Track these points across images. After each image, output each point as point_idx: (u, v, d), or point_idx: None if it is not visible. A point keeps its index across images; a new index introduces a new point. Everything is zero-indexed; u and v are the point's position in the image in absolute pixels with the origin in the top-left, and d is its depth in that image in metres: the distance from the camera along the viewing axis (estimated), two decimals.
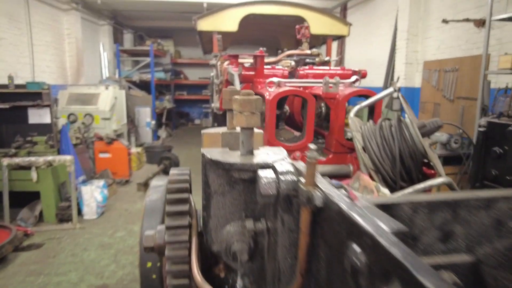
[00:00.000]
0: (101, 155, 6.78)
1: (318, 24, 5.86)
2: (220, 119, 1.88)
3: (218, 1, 9.56)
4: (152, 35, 13.81)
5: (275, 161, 1.03)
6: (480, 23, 5.47)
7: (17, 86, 5.35)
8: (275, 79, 1.33)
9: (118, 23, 12.38)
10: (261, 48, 1.86)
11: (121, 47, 12.28)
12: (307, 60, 2.31)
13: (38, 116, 5.47)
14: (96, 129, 7.56)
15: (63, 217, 4.94)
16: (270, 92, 1.35)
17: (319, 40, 6.64)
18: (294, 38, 8.12)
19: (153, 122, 11.11)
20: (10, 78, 5.24)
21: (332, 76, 1.83)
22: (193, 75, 16.05)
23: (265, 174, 0.90)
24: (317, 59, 1.88)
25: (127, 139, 8.95)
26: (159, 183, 3.02)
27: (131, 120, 9.91)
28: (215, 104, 1.48)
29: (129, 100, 9.88)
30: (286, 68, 1.70)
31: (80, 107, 7.79)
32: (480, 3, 5.61)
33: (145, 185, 6.29)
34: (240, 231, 0.99)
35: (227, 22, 5.56)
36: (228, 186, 1.05)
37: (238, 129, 1.15)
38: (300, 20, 6.04)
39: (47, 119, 5.48)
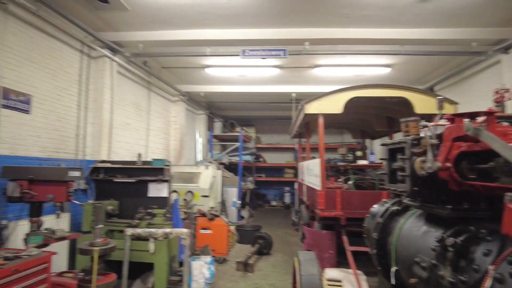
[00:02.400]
0: (202, 231, 6.93)
1: (423, 105, 5.86)
2: (419, 181, 1.80)
3: (305, 90, 10.29)
4: (238, 123, 15.12)
5: None
6: None
7: (144, 163, 6.00)
8: None
9: (211, 113, 13.85)
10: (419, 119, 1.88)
11: (213, 133, 13.52)
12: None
13: (156, 190, 5.95)
14: (195, 206, 7.92)
15: None
16: None
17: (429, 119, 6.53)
18: (385, 119, 8.22)
19: (239, 202, 11.35)
20: (139, 156, 5.92)
21: None
22: (269, 159, 16.88)
23: None
24: None
25: None
26: (309, 257, 2.90)
27: (222, 199, 10.25)
28: (434, 164, 1.42)
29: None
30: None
31: (182, 184, 8.36)
32: None
33: (245, 265, 6.13)
34: None
35: (333, 105, 5.84)
36: None
37: None
38: (403, 101, 6.14)
39: (164, 193, 5.91)
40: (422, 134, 1.80)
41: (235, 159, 12.42)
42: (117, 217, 5.91)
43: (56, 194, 4.04)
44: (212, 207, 8.17)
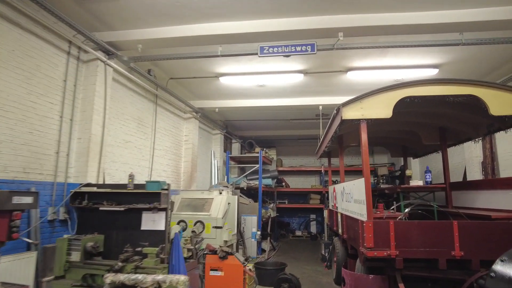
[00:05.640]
0: (212, 273, 5.50)
1: (501, 104, 4.39)
2: None
3: (334, 102, 8.96)
4: (257, 144, 13.86)
5: None
6: None
7: (136, 186, 4.75)
8: None
9: (228, 132, 12.68)
10: None
11: (230, 154, 12.27)
12: None
13: (151, 221, 4.64)
14: (204, 240, 6.55)
15: None
16: None
17: (505, 123, 5.02)
18: (437, 130, 6.71)
19: (259, 232, 9.86)
20: (131, 177, 4.68)
21: None
22: (292, 183, 15.54)
23: None
24: None
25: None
26: None
27: (239, 230, 8.81)
28: None
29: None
30: None
31: (191, 213, 7.04)
32: None
33: None
34: None
35: (379, 108, 4.48)
36: None
37: None
38: (469, 103, 4.69)
39: (160, 226, 4.59)
40: None
41: (254, 183, 11.04)
42: (103, 256, 4.63)
43: None
44: (225, 241, 6.76)
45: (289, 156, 16.20)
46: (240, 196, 10.31)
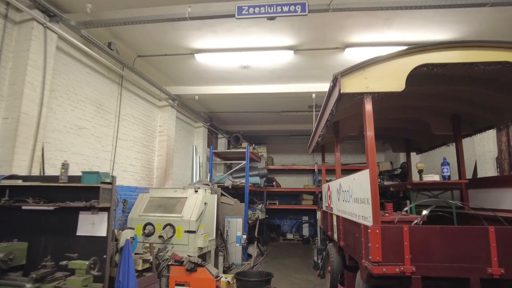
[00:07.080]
0: None
1: None
2: None
3: (327, 90, 7.93)
4: (246, 141, 12.81)
5: None
6: None
7: (72, 179, 3.64)
8: None
9: (213, 126, 11.58)
10: None
11: (214, 149, 11.17)
12: None
13: (90, 225, 3.54)
14: (174, 247, 5.46)
15: None
16: None
17: None
18: (449, 118, 5.72)
19: (244, 236, 8.79)
20: (64, 166, 3.57)
21: None
22: (283, 183, 14.52)
23: None
24: None
25: (214, 260, 6.58)
26: None
27: (220, 234, 7.72)
28: None
29: (219, 209, 7.95)
30: None
31: (160, 215, 5.94)
32: None
33: None
34: None
35: (389, 78, 3.43)
36: None
37: None
38: (505, 73, 3.69)
39: (101, 231, 3.49)
40: None
41: (240, 181, 9.95)
42: (24, 271, 3.50)
43: None
44: (200, 248, 5.66)
45: (280, 154, 15.20)
46: (223, 195, 9.25)
